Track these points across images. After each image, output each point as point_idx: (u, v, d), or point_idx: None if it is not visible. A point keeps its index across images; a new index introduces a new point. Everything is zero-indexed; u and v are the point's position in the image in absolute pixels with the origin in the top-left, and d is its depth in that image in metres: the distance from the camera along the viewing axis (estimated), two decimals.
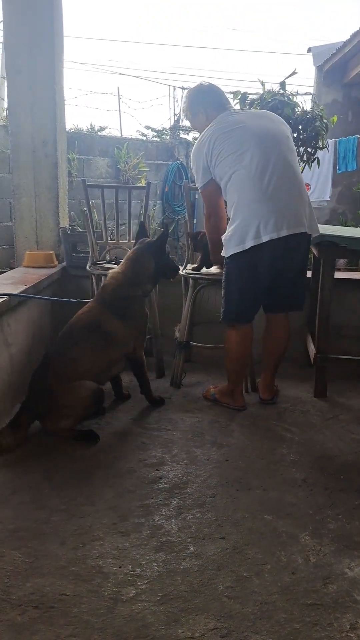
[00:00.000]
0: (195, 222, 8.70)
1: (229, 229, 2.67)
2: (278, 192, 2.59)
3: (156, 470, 2.27)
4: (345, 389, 3.21)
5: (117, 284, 2.73)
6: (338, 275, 3.17)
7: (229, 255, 2.68)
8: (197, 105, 2.82)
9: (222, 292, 2.79)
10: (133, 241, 3.53)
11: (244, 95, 3.40)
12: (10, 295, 2.69)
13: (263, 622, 1.48)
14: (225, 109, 2.80)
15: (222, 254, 2.72)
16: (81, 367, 2.54)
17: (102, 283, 2.89)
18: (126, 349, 2.72)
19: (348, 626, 1.47)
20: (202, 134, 2.75)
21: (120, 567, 1.68)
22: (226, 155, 2.62)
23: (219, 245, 2.74)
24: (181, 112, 2.99)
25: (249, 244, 2.59)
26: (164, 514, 1.96)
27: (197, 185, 2.83)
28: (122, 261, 2.86)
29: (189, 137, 10.24)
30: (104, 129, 9.05)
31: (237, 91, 3.44)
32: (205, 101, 2.81)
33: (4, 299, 2.61)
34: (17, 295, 2.78)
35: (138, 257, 2.80)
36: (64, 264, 3.81)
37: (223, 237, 2.69)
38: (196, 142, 2.81)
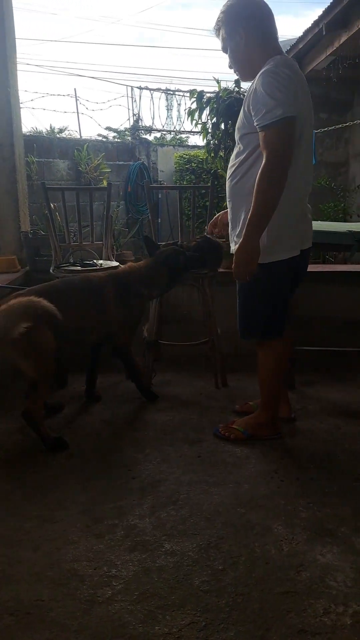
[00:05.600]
0: (159, 221, 8.76)
1: (276, 226, 2.17)
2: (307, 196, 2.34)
3: (129, 470, 2.27)
4: (313, 380, 3.26)
5: (130, 275, 2.84)
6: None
7: (279, 259, 2.26)
8: (239, 22, 2.15)
9: (258, 302, 2.36)
10: (98, 242, 3.55)
11: (200, 94, 3.42)
12: None
13: (238, 612, 1.50)
14: (281, 52, 2.19)
15: (264, 259, 2.20)
16: (69, 311, 2.55)
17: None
18: (108, 330, 2.77)
19: (322, 611, 1.51)
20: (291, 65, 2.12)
21: (95, 569, 1.68)
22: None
23: (273, 211, 2.11)
24: (214, 27, 2.23)
25: (299, 246, 2.31)
26: (137, 513, 1.97)
27: (272, 114, 2.02)
28: (144, 260, 2.96)
29: (150, 137, 10.27)
30: (64, 130, 8.99)
31: (193, 90, 3.47)
32: (253, 20, 2.14)
33: None
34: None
35: (156, 267, 2.86)
36: (27, 268, 3.77)
37: (266, 235, 2.18)
38: (282, 68, 2.07)
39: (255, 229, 2.13)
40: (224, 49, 2.28)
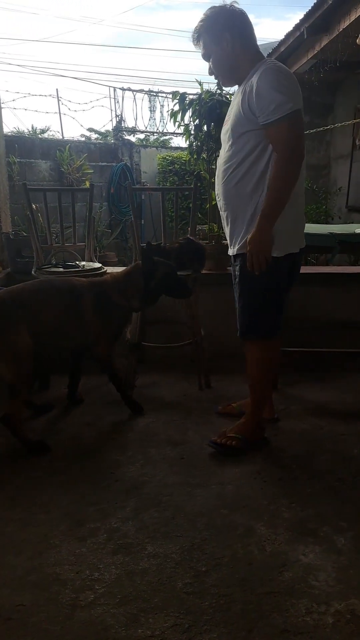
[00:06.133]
0: (142, 223, 8.75)
1: (281, 221, 2.16)
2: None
3: (112, 472, 2.26)
4: (296, 380, 3.28)
5: (109, 285, 2.76)
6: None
7: (283, 254, 2.24)
8: (224, 28, 2.16)
9: (264, 301, 2.32)
10: (80, 244, 3.53)
11: (183, 96, 3.42)
12: None
13: (221, 614, 1.50)
14: (263, 57, 2.22)
15: (273, 253, 2.20)
16: (44, 314, 2.52)
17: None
18: (86, 338, 2.70)
19: (304, 611, 1.51)
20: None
21: (77, 573, 1.67)
22: None
23: (285, 204, 2.13)
24: (192, 35, 2.24)
25: (299, 244, 2.32)
26: (120, 516, 1.96)
27: (282, 108, 2.03)
28: (124, 270, 2.88)
29: (133, 138, 10.25)
30: (46, 131, 8.93)
31: (175, 91, 3.46)
32: (237, 28, 2.17)
33: None
34: None
35: (132, 273, 2.79)
36: (8, 269, 3.74)
37: (277, 227, 2.16)
38: (281, 66, 2.13)
39: (269, 222, 2.14)
40: (206, 57, 2.27)
